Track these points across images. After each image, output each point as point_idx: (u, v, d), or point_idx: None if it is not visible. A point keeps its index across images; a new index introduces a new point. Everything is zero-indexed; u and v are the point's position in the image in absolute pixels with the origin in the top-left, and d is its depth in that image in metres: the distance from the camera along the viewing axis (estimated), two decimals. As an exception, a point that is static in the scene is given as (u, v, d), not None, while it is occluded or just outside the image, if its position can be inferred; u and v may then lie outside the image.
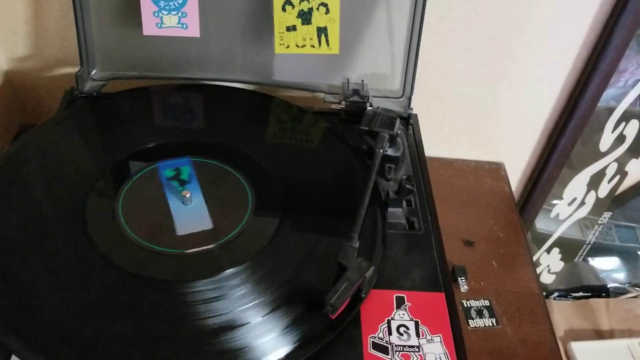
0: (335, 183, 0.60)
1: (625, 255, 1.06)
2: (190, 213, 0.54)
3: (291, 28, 0.63)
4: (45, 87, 0.78)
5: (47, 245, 0.50)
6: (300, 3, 0.62)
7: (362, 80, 0.69)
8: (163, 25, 0.63)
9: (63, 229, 0.52)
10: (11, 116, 0.79)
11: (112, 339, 0.44)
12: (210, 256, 0.51)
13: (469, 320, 0.65)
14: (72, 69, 0.69)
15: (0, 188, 0.55)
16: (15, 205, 0.53)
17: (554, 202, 0.94)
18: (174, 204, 0.55)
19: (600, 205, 0.98)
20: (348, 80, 0.69)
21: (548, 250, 1.03)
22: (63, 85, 0.68)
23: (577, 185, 0.93)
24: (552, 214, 0.96)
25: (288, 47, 0.64)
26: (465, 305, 0.67)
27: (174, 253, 0.51)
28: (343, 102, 0.68)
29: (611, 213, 1.00)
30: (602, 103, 0.80)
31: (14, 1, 0.70)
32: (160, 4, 0.62)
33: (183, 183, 0.57)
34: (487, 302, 0.67)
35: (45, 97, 0.79)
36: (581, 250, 1.05)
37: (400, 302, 0.50)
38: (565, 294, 1.07)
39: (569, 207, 0.96)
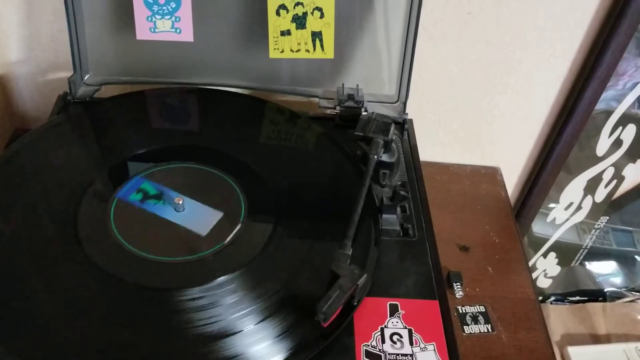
0: (329, 189, 0.60)
1: (622, 259, 1.06)
2: (192, 215, 0.54)
3: (285, 32, 0.63)
4: (39, 91, 0.78)
5: (40, 253, 0.50)
6: (294, 7, 0.61)
7: (357, 85, 0.69)
8: (156, 30, 0.62)
9: (56, 237, 0.51)
10: (4, 121, 0.79)
11: (106, 348, 0.44)
12: (202, 264, 0.50)
13: (464, 327, 0.65)
14: (66, 74, 0.68)
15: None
16: (8, 210, 0.53)
17: (551, 206, 0.94)
18: (170, 215, 0.54)
19: (597, 210, 0.97)
20: (343, 85, 0.69)
21: (545, 255, 1.02)
22: (56, 90, 0.68)
23: (573, 189, 0.93)
24: (549, 218, 0.96)
25: (282, 51, 0.63)
26: (461, 312, 0.66)
27: (212, 252, 0.51)
28: (338, 107, 0.68)
29: (608, 217, 0.99)
30: (601, 105, 0.80)
31: (7, 5, 0.69)
32: (153, 8, 0.61)
33: (159, 197, 0.56)
34: (482, 308, 0.67)
35: (39, 102, 0.79)
36: (578, 255, 1.04)
37: (393, 310, 0.50)
38: (562, 298, 1.07)
39: (566, 211, 0.96)
